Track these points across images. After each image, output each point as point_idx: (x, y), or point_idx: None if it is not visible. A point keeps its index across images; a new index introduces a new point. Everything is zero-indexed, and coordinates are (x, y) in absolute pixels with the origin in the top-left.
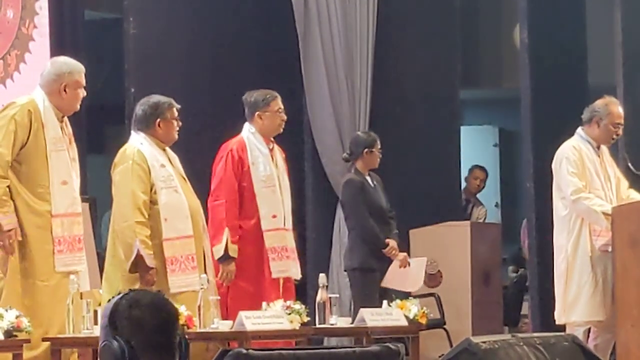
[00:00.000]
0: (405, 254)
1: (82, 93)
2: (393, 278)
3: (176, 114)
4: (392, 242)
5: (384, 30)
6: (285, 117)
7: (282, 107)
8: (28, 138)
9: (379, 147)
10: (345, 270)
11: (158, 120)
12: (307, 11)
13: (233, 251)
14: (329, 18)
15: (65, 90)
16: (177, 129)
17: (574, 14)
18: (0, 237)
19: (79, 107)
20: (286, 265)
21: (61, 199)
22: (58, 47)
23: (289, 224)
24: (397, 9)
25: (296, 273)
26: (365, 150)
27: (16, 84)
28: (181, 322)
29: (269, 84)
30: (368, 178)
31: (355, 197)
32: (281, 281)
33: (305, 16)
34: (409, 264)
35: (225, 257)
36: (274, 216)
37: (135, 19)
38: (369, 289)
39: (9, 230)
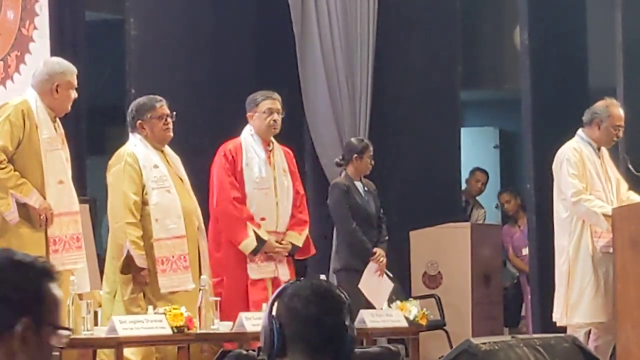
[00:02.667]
0: (384, 263)
1: (74, 94)
2: (367, 283)
3: (161, 113)
4: (380, 250)
5: (385, 31)
6: (276, 118)
7: (275, 107)
8: (22, 138)
9: (371, 154)
10: (333, 273)
11: (139, 121)
12: (306, 12)
13: (264, 234)
14: (329, 19)
15: (57, 90)
16: (166, 127)
17: (575, 15)
18: (38, 215)
19: (69, 108)
20: (267, 268)
21: (58, 199)
22: (58, 48)
23: (283, 226)
24: (397, 9)
25: (283, 274)
26: (355, 155)
27: (16, 85)
28: (181, 323)
29: (269, 85)
30: (359, 184)
31: (339, 201)
32: (269, 282)
33: (304, 17)
34: (383, 275)
35: (261, 245)
36: (263, 219)
37: (136, 20)
38: (354, 289)
39: (40, 207)
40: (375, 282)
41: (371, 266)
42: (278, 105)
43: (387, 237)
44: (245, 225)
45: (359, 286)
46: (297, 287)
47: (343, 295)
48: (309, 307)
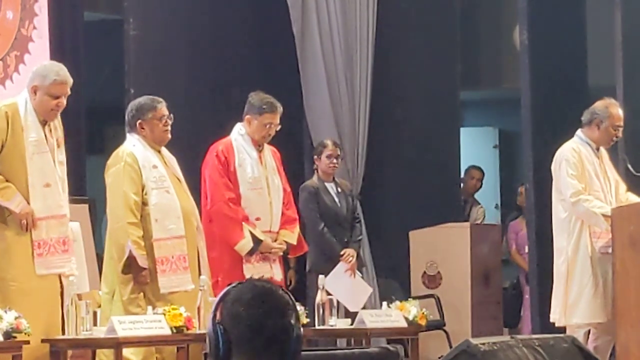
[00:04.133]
0: (355, 262)
1: (54, 102)
2: (335, 282)
3: (162, 113)
4: (349, 251)
5: (384, 31)
6: (272, 133)
7: (275, 122)
8: (6, 140)
9: (329, 154)
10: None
11: (139, 121)
12: (306, 11)
13: (260, 234)
14: (328, 19)
15: (34, 92)
16: (166, 128)
17: (574, 14)
18: (19, 220)
19: (53, 116)
20: (262, 268)
21: (43, 202)
22: (57, 48)
23: (276, 226)
24: (397, 9)
25: (277, 274)
26: (315, 157)
27: (15, 85)
28: (180, 323)
29: (270, 84)
30: (330, 185)
31: (306, 203)
32: None
33: (303, 16)
34: (355, 275)
35: (257, 245)
36: (258, 219)
37: (135, 20)
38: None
39: (21, 212)
40: (345, 283)
41: (340, 266)
42: (278, 120)
43: (360, 238)
44: (241, 225)
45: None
46: (238, 290)
47: (286, 296)
48: (250, 310)
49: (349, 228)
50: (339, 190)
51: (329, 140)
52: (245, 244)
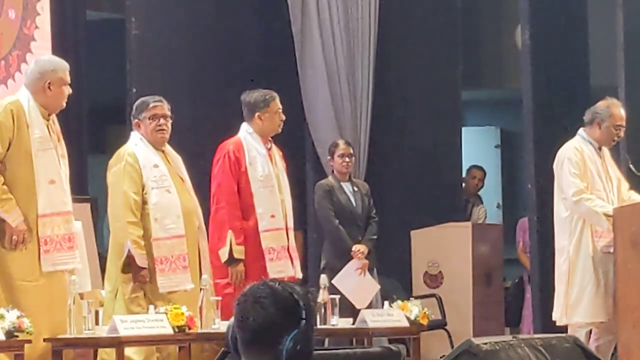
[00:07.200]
0: (367, 262)
1: (67, 90)
2: (345, 280)
3: (154, 112)
4: (360, 247)
5: (386, 30)
6: (284, 117)
7: (280, 107)
8: (12, 138)
9: (341, 153)
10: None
11: (135, 120)
12: (307, 12)
13: (238, 253)
14: (330, 19)
15: (49, 88)
16: (159, 128)
17: (576, 14)
18: (11, 234)
19: (64, 104)
20: (285, 266)
21: (49, 199)
22: (59, 47)
23: (291, 222)
24: (398, 9)
25: (297, 272)
26: (329, 158)
27: (17, 84)
28: (182, 322)
29: (270, 84)
30: (346, 184)
31: (321, 200)
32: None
33: (304, 17)
34: (365, 274)
35: (232, 260)
36: (272, 216)
37: (137, 19)
38: (336, 288)
39: (16, 228)
40: (355, 280)
41: (352, 263)
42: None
43: (374, 237)
44: (226, 233)
45: (333, 281)
46: (249, 291)
47: (293, 297)
48: (240, 306)
49: (364, 227)
50: (355, 189)
51: (341, 140)
52: (224, 252)
